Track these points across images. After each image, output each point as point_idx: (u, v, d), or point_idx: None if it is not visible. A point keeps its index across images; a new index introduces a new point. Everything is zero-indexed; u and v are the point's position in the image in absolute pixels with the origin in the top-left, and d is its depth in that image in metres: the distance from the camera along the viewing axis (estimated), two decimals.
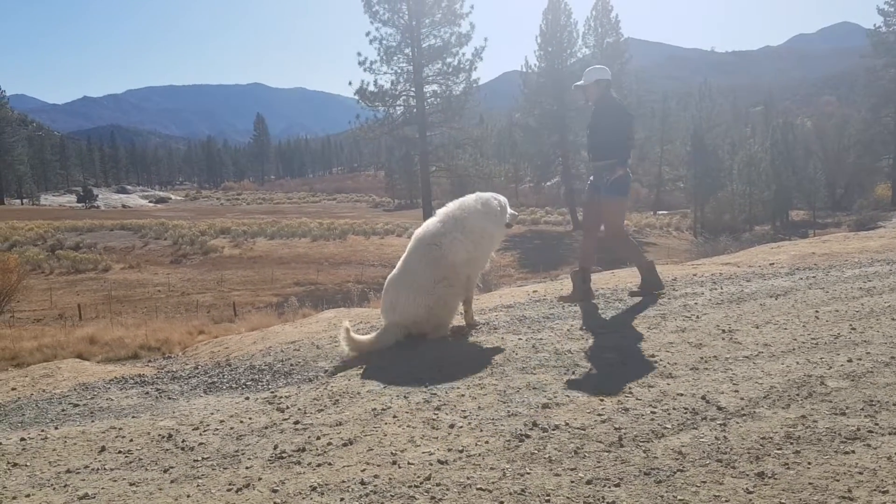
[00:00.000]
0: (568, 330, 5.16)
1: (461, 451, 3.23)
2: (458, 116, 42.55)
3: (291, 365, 4.94)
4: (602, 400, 3.73)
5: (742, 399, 3.62)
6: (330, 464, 3.19)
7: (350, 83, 39.01)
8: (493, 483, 2.91)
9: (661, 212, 67.20)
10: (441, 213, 5.39)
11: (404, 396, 3.98)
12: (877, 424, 3.23)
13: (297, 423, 3.74)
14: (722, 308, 5.52)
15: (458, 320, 5.45)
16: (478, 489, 2.87)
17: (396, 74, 40.09)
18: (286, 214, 67.55)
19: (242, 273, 40.58)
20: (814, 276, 6.51)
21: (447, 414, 3.70)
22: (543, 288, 7.15)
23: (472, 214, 5.29)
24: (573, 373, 4.20)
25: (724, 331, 4.87)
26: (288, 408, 4.00)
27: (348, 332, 4.94)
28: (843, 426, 3.24)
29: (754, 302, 5.66)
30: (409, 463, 3.15)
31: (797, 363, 4.13)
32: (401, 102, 40.87)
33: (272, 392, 4.37)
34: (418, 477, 3.01)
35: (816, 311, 5.22)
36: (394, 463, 3.16)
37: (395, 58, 39.75)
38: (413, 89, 40.12)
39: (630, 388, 3.89)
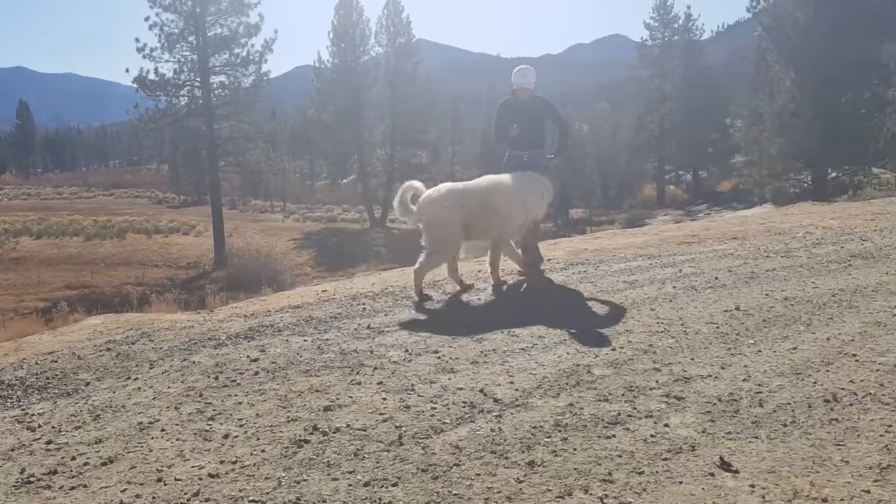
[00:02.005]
0: (355, 329, 5.11)
1: (235, 463, 3.07)
2: (248, 110, 41.10)
3: (48, 378, 4.47)
4: (385, 399, 3.72)
5: (517, 390, 3.77)
6: (85, 486, 2.90)
7: (128, 70, 36.24)
8: (266, 494, 2.79)
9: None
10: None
11: (175, 408, 3.72)
12: (635, 409, 3.49)
13: (49, 442, 3.37)
14: (502, 303, 5.73)
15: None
16: (250, 501, 2.74)
17: (180, 63, 37.89)
18: (55, 211, 61.67)
19: (3, 276, 36.54)
20: (585, 271, 6.96)
21: (222, 424, 3.50)
22: (333, 287, 7.06)
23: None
24: (358, 373, 4.15)
25: (502, 324, 5.05)
26: (40, 426, 3.60)
27: None
28: (606, 412, 3.46)
29: (532, 293, 5.94)
30: (176, 479, 2.94)
31: (567, 353, 4.38)
32: (185, 93, 38.75)
33: (23, 409, 3.91)
34: (185, 494, 2.82)
35: (588, 303, 5.57)
36: (159, 480, 2.93)
37: (177, 46, 37.56)
38: (198, 79, 38.18)
39: (413, 384, 3.91)
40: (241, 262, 31.96)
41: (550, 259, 7.62)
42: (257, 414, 3.60)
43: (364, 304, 5.91)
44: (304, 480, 2.89)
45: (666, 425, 3.28)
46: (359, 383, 3.98)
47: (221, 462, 3.10)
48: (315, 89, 57.30)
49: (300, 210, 65.25)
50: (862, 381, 3.76)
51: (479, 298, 5.92)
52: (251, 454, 3.15)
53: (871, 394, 3.57)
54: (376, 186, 57.95)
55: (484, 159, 60.87)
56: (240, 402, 3.77)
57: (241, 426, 3.46)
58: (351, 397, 3.77)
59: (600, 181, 62.60)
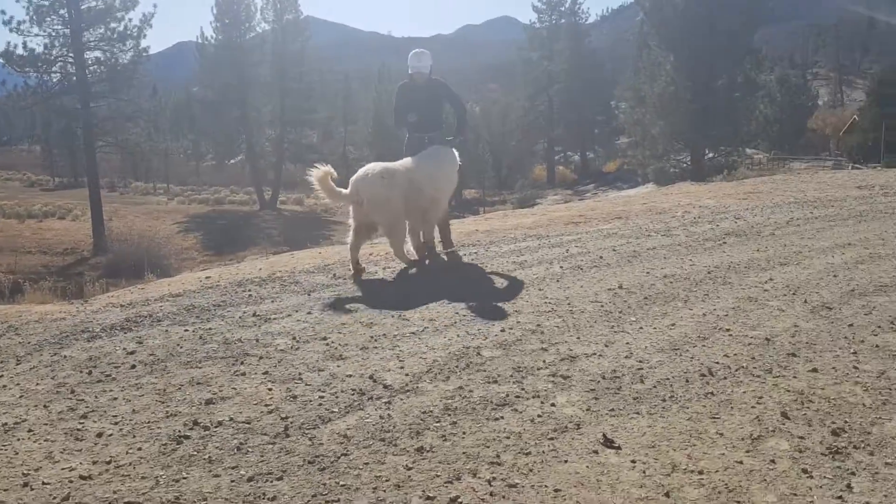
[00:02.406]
0: (240, 317, 4.94)
1: (109, 463, 2.90)
2: (126, 87, 39.01)
3: None
4: (270, 389, 3.61)
5: (407, 375, 3.74)
6: None
7: None
8: (143, 494, 2.65)
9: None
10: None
11: (44, 406, 3.48)
12: (523, 389, 3.53)
13: None
14: (392, 286, 5.68)
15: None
16: (125, 503, 2.59)
17: (51, 37, 35.48)
18: None
19: None
20: (476, 253, 7.00)
21: (95, 422, 3.30)
22: (218, 273, 6.81)
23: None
24: (242, 363, 4.01)
25: (392, 308, 5.01)
26: None
27: None
28: (495, 394, 3.48)
29: (424, 279, 5.92)
30: (43, 483, 2.75)
31: (458, 335, 4.38)
32: (57, 69, 36.42)
33: None
34: (54, 498, 2.64)
35: (476, 286, 5.60)
36: (25, 485, 2.74)
37: (48, 19, 35.15)
38: (72, 55, 35.95)
39: (300, 373, 3.81)
40: (121, 247, 30.59)
41: (439, 241, 7.62)
42: (134, 410, 3.42)
43: (250, 290, 5.73)
44: (184, 478, 2.76)
45: (552, 405, 3.33)
46: (243, 374, 3.84)
47: (94, 462, 2.92)
48: (199, 66, 55.10)
49: (185, 192, 62.85)
50: (735, 354, 3.94)
51: (369, 282, 5.85)
52: (127, 453, 2.99)
53: (743, 367, 3.75)
54: (265, 167, 56.50)
55: (376, 139, 60.40)
56: (115, 398, 3.57)
57: (117, 423, 3.28)
58: (234, 389, 3.64)
59: (492, 162, 63.40)
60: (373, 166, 6.27)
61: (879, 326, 4.40)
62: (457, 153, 6.80)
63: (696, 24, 32.47)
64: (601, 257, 6.51)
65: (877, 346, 4.05)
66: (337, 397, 3.48)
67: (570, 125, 64.13)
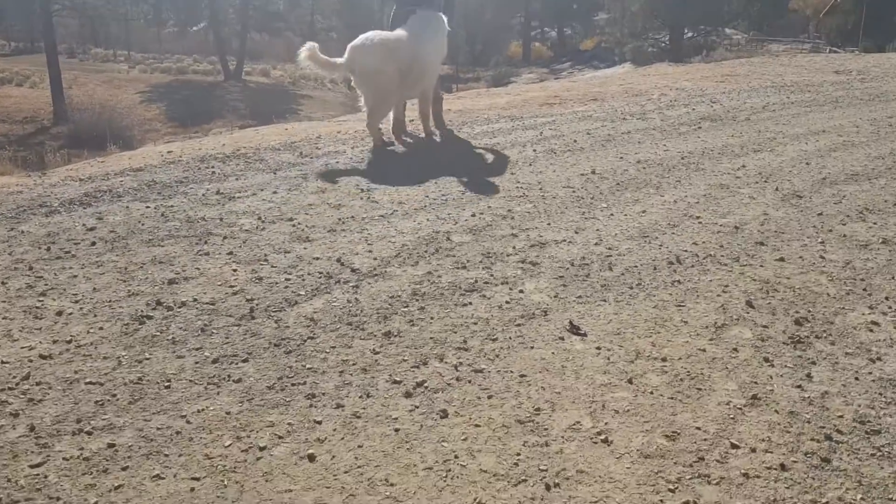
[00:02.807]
0: (203, 195, 4.80)
1: (69, 342, 2.85)
2: None
3: None
4: (235, 270, 3.55)
5: (375, 259, 3.69)
6: None
7: None
8: (105, 374, 2.62)
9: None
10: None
11: (1, 283, 3.39)
12: (492, 275, 3.51)
13: None
14: (361, 167, 5.55)
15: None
16: (87, 384, 2.56)
17: None
18: None
19: None
20: (446, 135, 6.84)
21: (55, 300, 3.23)
22: (179, 148, 6.59)
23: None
24: (206, 242, 3.92)
25: (362, 190, 4.91)
26: None
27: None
28: (463, 279, 3.45)
29: (393, 159, 5.79)
30: (2, 362, 2.70)
31: (427, 219, 4.32)
32: None
33: None
34: (13, 378, 2.60)
35: (448, 168, 5.49)
36: None
37: None
38: None
39: (266, 255, 3.75)
40: (83, 116, 29.66)
41: (413, 120, 7.43)
42: (94, 288, 3.34)
43: (213, 167, 5.56)
44: (147, 359, 2.73)
45: (521, 291, 3.32)
46: (207, 254, 3.76)
47: (55, 342, 2.87)
48: None
49: (146, 60, 60.28)
50: (704, 242, 3.94)
51: (336, 161, 5.71)
52: (88, 332, 2.94)
53: (711, 255, 3.76)
54: (230, 35, 54.32)
55: (345, 8, 58.17)
56: (75, 276, 3.49)
57: (77, 302, 3.21)
58: (198, 269, 3.57)
59: (466, 37, 61.61)
60: (371, 35, 6.04)
61: (848, 216, 4.41)
62: (445, 20, 6.54)
63: None
64: (575, 141, 6.40)
65: (844, 235, 4.08)
66: (303, 280, 3.43)
67: (548, 0, 62.09)
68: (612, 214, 4.43)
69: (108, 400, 2.46)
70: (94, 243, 3.90)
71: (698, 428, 2.31)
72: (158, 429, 2.31)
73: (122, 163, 5.93)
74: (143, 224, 4.20)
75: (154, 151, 6.54)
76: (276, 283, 3.39)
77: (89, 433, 2.29)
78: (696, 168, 5.49)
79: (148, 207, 4.52)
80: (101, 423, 2.34)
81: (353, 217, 4.35)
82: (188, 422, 2.35)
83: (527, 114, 8.03)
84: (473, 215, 4.40)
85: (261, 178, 5.22)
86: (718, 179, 5.19)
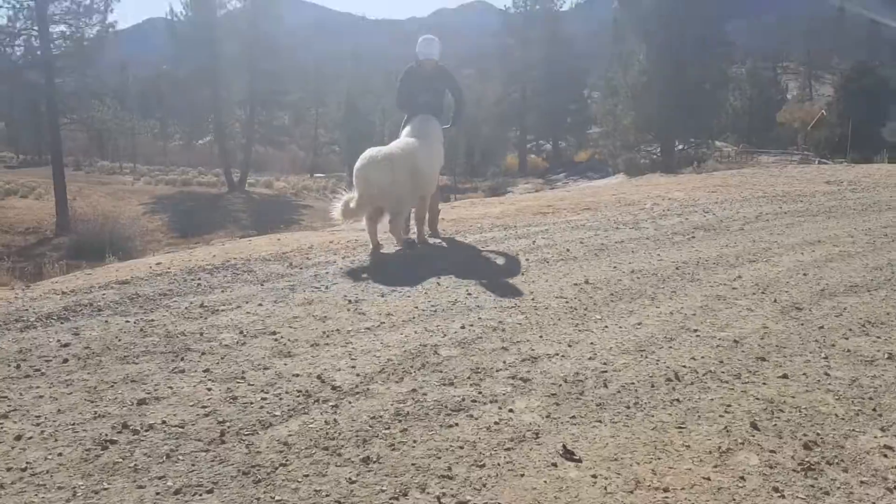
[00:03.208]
0: (186, 308, 4.67)
1: (24, 470, 2.64)
2: (92, 63, 38.11)
3: None
4: (210, 389, 3.36)
5: (358, 375, 3.51)
6: None
7: None
8: None
9: (317, 174, 67.87)
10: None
11: None
12: (480, 393, 3.32)
13: None
14: (350, 278, 5.44)
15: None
16: None
17: (15, 10, 34.50)
18: None
19: None
20: (440, 243, 6.78)
21: (16, 422, 3.03)
22: (170, 259, 6.51)
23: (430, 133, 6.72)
24: (182, 359, 3.75)
25: (350, 301, 4.78)
26: None
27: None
28: (450, 397, 3.27)
29: (382, 270, 5.69)
30: None
31: (415, 332, 4.16)
32: (21, 42, 35.40)
33: None
34: None
35: (438, 279, 5.38)
36: None
37: None
38: (36, 28, 34.93)
39: (244, 371, 3.57)
40: (85, 227, 29.94)
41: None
42: (59, 409, 3.15)
43: (200, 278, 5.45)
44: (105, 489, 2.51)
45: (511, 410, 3.13)
46: (182, 371, 3.58)
47: (9, 469, 2.66)
48: (168, 44, 53.97)
49: (152, 172, 61.57)
50: (703, 357, 3.77)
51: (326, 272, 5.60)
52: (45, 459, 2.73)
53: (711, 371, 3.58)
54: (234, 148, 55.63)
55: (347, 122, 59.85)
56: (41, 396, 3.30)
57: (38, 425, 3.01)
58: (171, 388, 3.38)
59: (465, 149, 63.13)
60: (373, 153, 6.21)
61: (850, 329, 4.26)
62: (438, 124, 6.78)
63: (670, 16, 32.44)
64: (568, 250, 6.33)
65: (848, 350, 3.91)
66: (280, 399, 3.24)
67: (543, 114, 63.93)
68: (606, 327, 4.28)
69: None
70: (66, 360, 3.73)
71: None
72: None
73: (109, 275, 5.83)
74: (119, 340, 4.04)
75: (143, 263, 6.45)
76: (251, 403, 3.20)
77: None
78: (691, 278, 5.38)
79: (127, 322, 4.37)
80: None
81: (338, 330, 4.19)
82: None
83: (520, 223, 8.00)
84: (463, 327, 4.25)
85: (247, 290, 5.10)
86: (715, 290, 5.06)
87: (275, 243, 7.13)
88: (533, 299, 4.84)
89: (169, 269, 5.91)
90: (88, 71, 38.66)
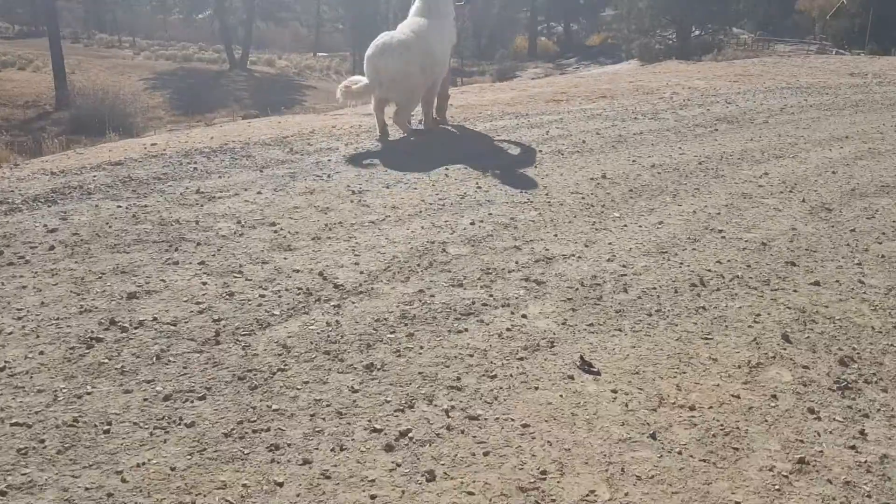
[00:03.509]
0: (182, 194, 4.41)
1: (2, 370, 2.46)
2: None
3: None
4: (205, 283, 3.16)
5: (362, 273, 3.30)
6: None
7: None
8: (36, 413, 2.23)
9: (321, 53, 66.05)
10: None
11: None
12: (491, 296, 3.11)
13: None
14: (353, 166, 5.16)
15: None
16: (12, 425, 2.17)
17: None
18: None
19: None
20: (446, 131, 6.44)
21: None
22: (165, 140, 6.20)
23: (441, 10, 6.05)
24: (177, 249, 3.53)
25: (353, 192, 4.52)
26: None
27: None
28: (459, 300, 3.06)
29: (388, 158, 5.39)
30: None
31: (422, 227, 3.93)
32: None
33: None
34: None
35: (447, 170, 5.10)
36: None
37: None
38: None
39: (241, 265, 3.36)
40: (85, 102, 29.35)
41: (413, 115, 7.03)
42: (43, 302, 2.95)
43: (197, 162, 5.17)
44: (88, 394, 2.34)
45: (524, 316, 2.93)
46: (176, 263, 3.37)
47: None
48: None
49: (151, 47, 59.90)
50: (729, 261, 3.55)
51: (328, 159, 5.31)
52: (26, 357, 2.55)
53: (738, 276, 3.36)
54: (235, 24, 53.91)
55: (351, 1, 57.65)
56: (24, 287, 3.10)
57: (20, 319, 2.82)
58: (164, 281, 3.18)
59: (472, 30, 61.08)
60: (387, 40, 5.77)
61: (884, 233, 4.02)
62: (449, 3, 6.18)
63: None
64: (584, 141, 6.00)
65: (882, 256, 3.68)
66: (280, 297, 3.04)
67: None
68: (625, 226, 4.03)
69: (34, 448, 2.08)
70: (52, 247, 3.51)
71: (738, 503, 1.92)
72: (87, 489, 1.92)
73: (102, 155, 5.54)
74: (110, 226, 3.81)
75: (137, 144, 6.15)
76: (249, 301, 3.00)
77: (2, 494, 1.90)
78: (715, 174, 5.09)
79: (119, 207, 4.12)
80: (19, 479, 1.96)
81: (340, 223, 3.96)
82: (124, 480, 1.96)
83: (532, 111, 7.63)
84: (472, 223, 4.01)
85: (245, 177, 4.83)
86: (740, 188, 4.79)
87: (275, 126, 6.81)
88: (547, 194, 4.57)
89: (164, 150, 5.63)
90: None
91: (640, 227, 4.02)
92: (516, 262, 3.46)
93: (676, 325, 2.88)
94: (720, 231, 3.96)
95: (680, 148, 5.84)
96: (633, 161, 5.39)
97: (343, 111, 8.31)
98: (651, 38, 35.49)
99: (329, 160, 5.29)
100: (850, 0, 62.99)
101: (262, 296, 3.05)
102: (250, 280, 3.20)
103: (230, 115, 35.48)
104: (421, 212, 4.18)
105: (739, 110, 7.59)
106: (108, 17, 68.14)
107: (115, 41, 64.55)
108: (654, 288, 3.22)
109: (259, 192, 4.46)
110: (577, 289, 3.20)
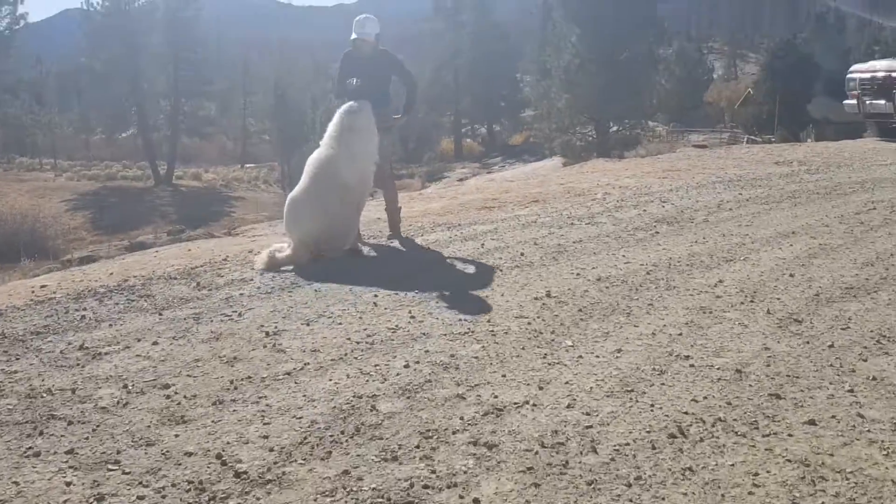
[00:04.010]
0: (62, 352, 3.74)
1: None
2: (4, 57, 36.03)
3: None
4: (69, 485, 2.48)
5: (272, 451, 2.67)
6: None
7: None
8: None
9: (248, 165, 66.04)
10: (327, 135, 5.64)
11: None
12: (433, 472, 2.52)
13: None
14: (270, 299, 4.58)
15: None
16: None
17: None
18: None
19: None
20: (375, 249, 5.96)
21: None
22: (58, 280, 5.51)
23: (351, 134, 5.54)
24: (42, 433, 2.85)
25: (267, 333, 3.92)
26: None
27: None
28: (394, 482, 2.46)
29: (308, 287, 4.84)
30: None
31: (347, 376, 3.34)
32: None
33: None
34: None
35: (376, 297, 4.56)
36: None
37: None
38: None
39: (119, 451, 2.69)
40: (1, 228, 28.19)
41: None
42: None
43: (87, 308, 4.50)
44: None
45: (476, 501, 2.34)
46: (37, 454, 2.69)
47: None
48: (84, 35, 51.52)
49: (74, 167, 58.92)
50: (705, 398, 3.05)
51: (241, 293, 4.72)
52: None
53: (720, 419, 2.86)
54: (160, 140, 53.59)
55: (277, 112, 58.18)
56: None
57: None
58: (16, 483, 2.49)
59: (400, 134, 61.98)
60: (295, 196, 5.57)
61: (865, 347, 3.61)
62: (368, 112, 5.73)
63: None
64: (522, 254, 5.57)
65: (873, 378, 3.24)
66: (163, 497, 2.39)
67: (477, 98, 63.47)
68: (580, 357, 3.53)
69: None
70: None
71: None
72: None
73: None
74: None
75: (25, 287, 5.45)
76: None
77: None
78: (666, 285, 4.67)
79: None
80: None
81: (249, 378, 3.34)
82: None
83: (465, 220, 7.23)
84: (407, 366, 3.44)
85: (141, 323, 4.18)
86: (696, 300, 4.37)
87: (184, 255, 6.21)
88: (489, 321, 4.06)
89: (54, 293, 4.96)
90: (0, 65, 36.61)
91: (597, 357, 3.52)
92: (461, 419, 2.89)
93: (664, 500, 2.33)
94: (687, 357, 3.49)
95: (623, 255, 5.46)
96: (578, 274, 4.96)
97: (262, 232, 7.78)
98: (572, 135, 36.26)
99: (241, 294, 4.70)
100: (756, 88, 66.83)
101: (140, 497, 2.39)
102: (128, 473, 2.54)
103: (155, 231, 34.58)
104: (346, 354, 3.60)
105: (676, 209, 7.35)
106: (28, 140, 67.00)
107: (35, 164, 63.24)
108: (628, 444, 2.68)
109: (155, 343, 3.82)
110: (536, 452, 2.63)
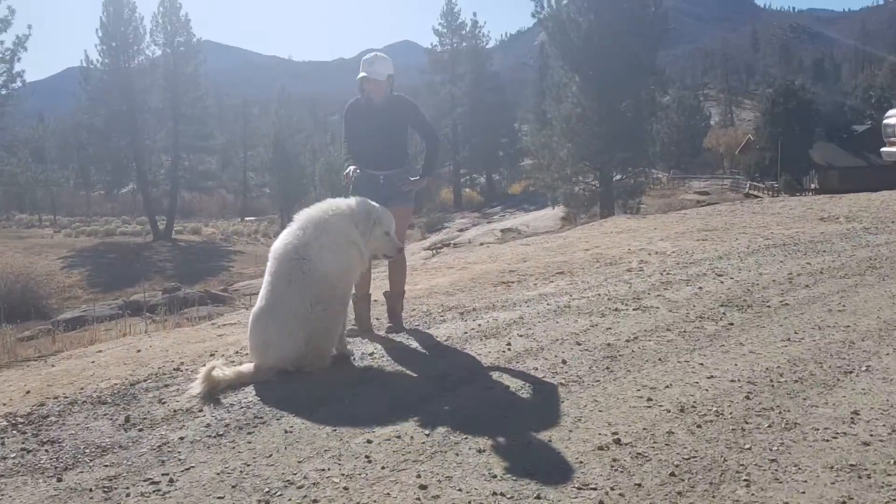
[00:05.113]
0: None
1: None
2: (2, 115, 35.27)
3: None
4: None
5: None
6: None
7: None
8: None
9: (248, 218, 65.40)
10: (298, 219, 4.36)
11: None
12: None
13: None
14: (222, 446, 3.22)
15: None
16: None
17: None
18: None
19: None
20: (368, 354, 4.62)
21: None
22: (65, 370, 4.16)
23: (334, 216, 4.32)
24: None
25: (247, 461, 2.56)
26: None
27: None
28: None
29: (275, 425, 3.48)
30: None
31: None
32: None
33: None
34: None
35: (369, 442, 3.20)
36: None
37: None
38: None
39: None
40: None
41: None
42: None
43: (80, 423, 3.16)
44: None
45: None
46: None
47: None
48: (84, 92, 51.32)
49: (73, 224, 58.37)
50: None
51: (182, 436, 3.37)
52: None
53: None
54: (159, 195, 52.99)
55: (277, 165, 57.72)
56: None
57: None
58: None
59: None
60: (258, 312, 4.32)
61: None
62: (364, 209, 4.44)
63: (601, 45, 31.26)
64: (563, 361, 4.22)
65: None
66: None
67: (475, 148, 63.32)
68: None
69: None
70: None
71: None
72: None
73: None
74: None
75: (16, 390, 4.13)
76: None
77: None
78: (782, 423, 3.28)
79: None
80: None
81: None
82: None
83: (480, 302, 5.92)
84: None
85: (26, 498, 2.83)
86: (838, 454, 2.99)
87: (130, 359, 4.89)
88: (538, 496, 2.70)
89: (43, 402, 3.68)
90: None
91: None
92: None
93: None
94: None
95: (701, 364, 4.10)
96: (649, 399, 3.60)
97: (234, 318, 6.44)
98: (574, 184, 35.16)
99: (182, 439, 3.34)
100: (756, 134, 66.24)
101: None
102: None
103: (153, 287, 33.43)
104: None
105: (740, 286, 6.01)
106: (28, 197, 66.42)
107: (34, 221, 62.63)
108: None
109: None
110: None
